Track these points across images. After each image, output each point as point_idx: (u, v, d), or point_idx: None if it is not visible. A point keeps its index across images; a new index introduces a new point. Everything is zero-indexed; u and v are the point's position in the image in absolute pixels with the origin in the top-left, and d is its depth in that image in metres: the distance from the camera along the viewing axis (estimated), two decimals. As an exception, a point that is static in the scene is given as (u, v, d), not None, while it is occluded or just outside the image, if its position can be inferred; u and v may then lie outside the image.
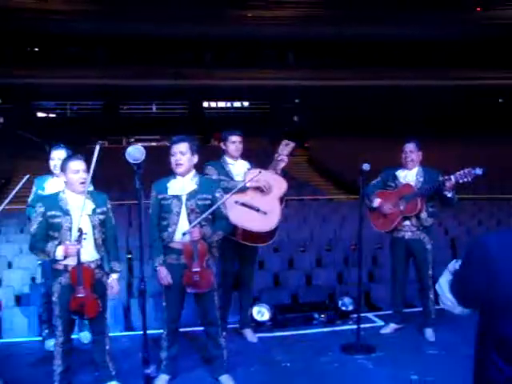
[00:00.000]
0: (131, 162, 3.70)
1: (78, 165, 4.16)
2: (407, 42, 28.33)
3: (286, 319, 6.14)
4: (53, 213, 4.10)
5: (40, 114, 31.06)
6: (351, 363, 5.14)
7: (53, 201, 4.18)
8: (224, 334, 4.75)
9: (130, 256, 8.66)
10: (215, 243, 4.53)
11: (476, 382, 1.79)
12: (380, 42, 28.33)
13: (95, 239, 4.22)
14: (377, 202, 5.76)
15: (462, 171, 5.29)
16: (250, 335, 5.70)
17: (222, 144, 5.62)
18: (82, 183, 4.16)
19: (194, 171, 4.53)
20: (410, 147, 5.71)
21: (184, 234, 4.33)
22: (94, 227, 4.21)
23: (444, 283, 1.77)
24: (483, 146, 23.23)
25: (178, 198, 4.43)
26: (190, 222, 4.36)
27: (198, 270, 4.29)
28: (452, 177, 5.32)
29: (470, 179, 5.28)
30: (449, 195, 5.44)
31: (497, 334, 1.61)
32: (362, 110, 28.40)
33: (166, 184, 4.50)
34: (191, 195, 4.42)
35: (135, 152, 3.71)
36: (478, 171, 5.25)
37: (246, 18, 26.96)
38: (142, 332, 5.75)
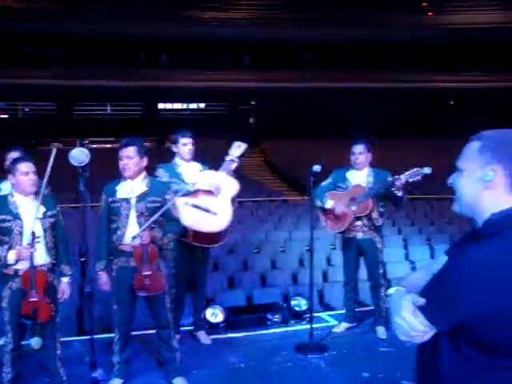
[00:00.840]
0: (76, 165, 3.66)
1: (27, 167, 4.10)
2: (360, 45, 28.66)
3: (239, 320, 6.16)
4: (3, 217, 4.04)
5: (-9, 115, 30.37)
6: (304, 363, 5.20)
7: (1, 204, 4.11)
8: (177, 336, 4.73)
9: (83, 259, 8.54)
10: (166, 245, 4.52)
11: (427, 373, 1.82)
12: (335, 45, 28.60)
13: (47, 242, 4.17)
14: (329, 203, 5.82)
15: (410, 171, 5.43)
16: (204, 337, 5.70)
17: (173, 146, 5.60)
18: (32, 185, 4.11)
19: (143, 173, 4.51)
20: (358, 148, 5.80)
21: (134, 237, 4.32)
22: (45, 231, 4.17)
23: (409, 317, 1.74)
24: (436, 147, 23.68)
25: (127, 200, 4.42)
26: (140, 225, 4.34)
27: (149, 273, 4.27)
28: (402, 176, 5.43)
29: (419, 178, 5.42)
30: (399, 194, 5.55)
31: (474, 335, 1.64)
32: (317, 112, 28.60)
33: (114, 187, 4.49)
34: (140, 198, 4.41)
35: (79, 155, 3.67)
36: (427, 170, 5.40)
37: (202, 19, 26.90)
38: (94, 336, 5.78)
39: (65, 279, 4.32)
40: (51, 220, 4.21)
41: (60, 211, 4.36)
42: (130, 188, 4.45)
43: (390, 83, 28.55)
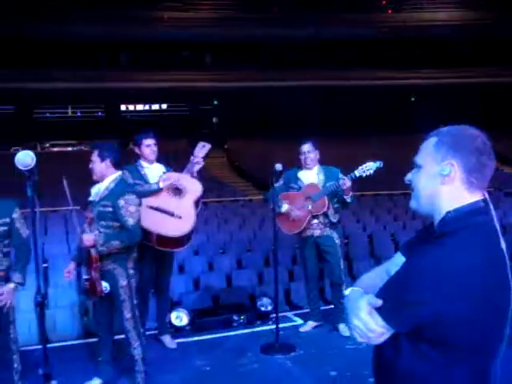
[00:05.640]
0: (22, 168, 3.53)
1: None
2: (321, 43, 28.75)
3: (205, 323, 6.10)
4: None
5: None
6: (271, 363, 5.17)
7: None
8: (137, 343, 4.54)
9: (45, 265, 8.39)
10: (119, 250, 4.33)
11: (386, 373, 1.80)
12: (295, 44, 28.65)
13: None
14: (285, 207, 5.82)
15: (363, 165, 5.49)
16: (169, 341, 5.63)
17: (136, 148, 5.51)
18: None
19: (112, 177, 4.42)
20: (307, 147, 5.81)
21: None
22: None
23: (366, 318, 1.69)
24: (399, 143, 23.93)
25: (92, 203, 4.42)
26: (91, 230, 4.32)
27: None
28: (355, 172, 5.51)
29: (371, 172, 5.48)
30: (348, 200, 5.68)
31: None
32: (280, 110, 28.65)
33: (92, 189, 4.51)
34: (97, 202, 4.36)
35: (25, 157, 3.54)
36: (379, 164, 5.47)
37: (163, 19, 26.72)
38: (60, 343, 5.67)
39: (10, 285, 4.10)
40: (1, 229, 4.07)
41: (19, 218, 4.19)
42: (96, 191, 4.44)
43: (352, 81, 28.73)
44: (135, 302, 4.46)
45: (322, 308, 6.28)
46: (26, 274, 4.23)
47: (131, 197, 4.34)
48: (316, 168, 5.87)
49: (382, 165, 5.48)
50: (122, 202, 4.27)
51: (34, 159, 3.55)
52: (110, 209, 4.28)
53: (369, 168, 5.46)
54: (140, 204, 4.45)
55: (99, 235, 4.22)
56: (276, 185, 5.89)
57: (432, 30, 27.99)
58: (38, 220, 3.64)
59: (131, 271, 4.42)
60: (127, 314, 4.40)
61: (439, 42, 29.25)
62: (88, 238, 4.20)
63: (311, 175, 5.84)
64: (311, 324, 6.07)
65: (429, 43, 29.35)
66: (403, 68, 29.37)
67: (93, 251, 4.20)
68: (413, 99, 31.44)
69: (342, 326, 5.81)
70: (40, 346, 5.51)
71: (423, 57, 30.01)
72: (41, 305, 3.79)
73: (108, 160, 4.39)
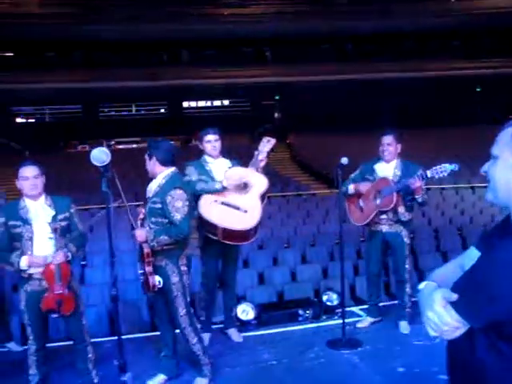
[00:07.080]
0: (97, 164, 3.61)
1: (26, 171, 4.12)
2: (383, 35, 28.35)
3: (271, 317, 6.10)
4: (13, 222, 4.06)
5: (19, 120, 30.68)
6: (338, 358, 5.12)
7: (13, 210, 4.13)
8: (195, 339, 4.58)
9: (114, 259, 8.56)
10: (170, 245, 4.36)
11: (463, 372, 1.76)
12: (357, 36, 28.36)
13: (57, 248, 4.14)
14: (351, 187, 5.72)
15: (438, 167, 5.19)
16: (236, 335, 5.65)
17: (199, 144, 5.57)
18: (32, 189, 4.11)
19: (163, 173, 4.44)
20: (387, 139, 5.61)
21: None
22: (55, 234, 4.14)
23: (442, 311, 1.66)
24: (465, 135, 23.39)
25: (147, 199, 4.49)
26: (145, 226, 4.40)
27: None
28: (428, 172, 5.26)
29: (445, 175, 5.23)
30: (419, 200, 5.45)
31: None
32: (342, 104, 28.42)
33: (147, 185, 4.55)
34: (150, 199, 4.43)
35: (100, 154, 3.61)
36: (454, 167, 5.19)
37: (222, 15, 26.89)
38: (127, 336, 5.78)
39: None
40: (63, 223, 4.18)
41: (75, 212, 4.34)
42: (150, 188, 4.50)
43: (415, 73, 28.22)
44: (188, 299, 4.49)
45: (387, 303, 6.19)
46: (77, 253, 4.31)
47: (178, 192, 4.32)
48: (394, 162, 5.65)
49: (457, 168, 5.20)
50: (168, 198, 4.28)
51: (109, 156, 3.64)
52: (159, 205, 4.31)
53: (443, 170, 5.15)
54: (188, 199, 4.40)
55: (149, 231, 4.28)
56: (352, 175, 5.83)
57: (496, 18, 27.10)
58: (112, 215, 3.72)
59: (183, 268, 4.45)
60: (182, 311, 4.42)
61: (504, 30, 28.33)
62: (140, 234, 4.28)
63: (388, 169, 5.64)
64: (369, 320, 5.97)
65: (493, 32, 28.48)
66: (468, 58, 28.62)
67: (145, 246, 4.28)
68: (478, 89, 30.60)
69: (402, 324, 5.71)
70: (109, 338, 5.72)
71: (489, 46, 29.15)
72: (115, 298, 3.89)
73: (154, 158, 4.44)
